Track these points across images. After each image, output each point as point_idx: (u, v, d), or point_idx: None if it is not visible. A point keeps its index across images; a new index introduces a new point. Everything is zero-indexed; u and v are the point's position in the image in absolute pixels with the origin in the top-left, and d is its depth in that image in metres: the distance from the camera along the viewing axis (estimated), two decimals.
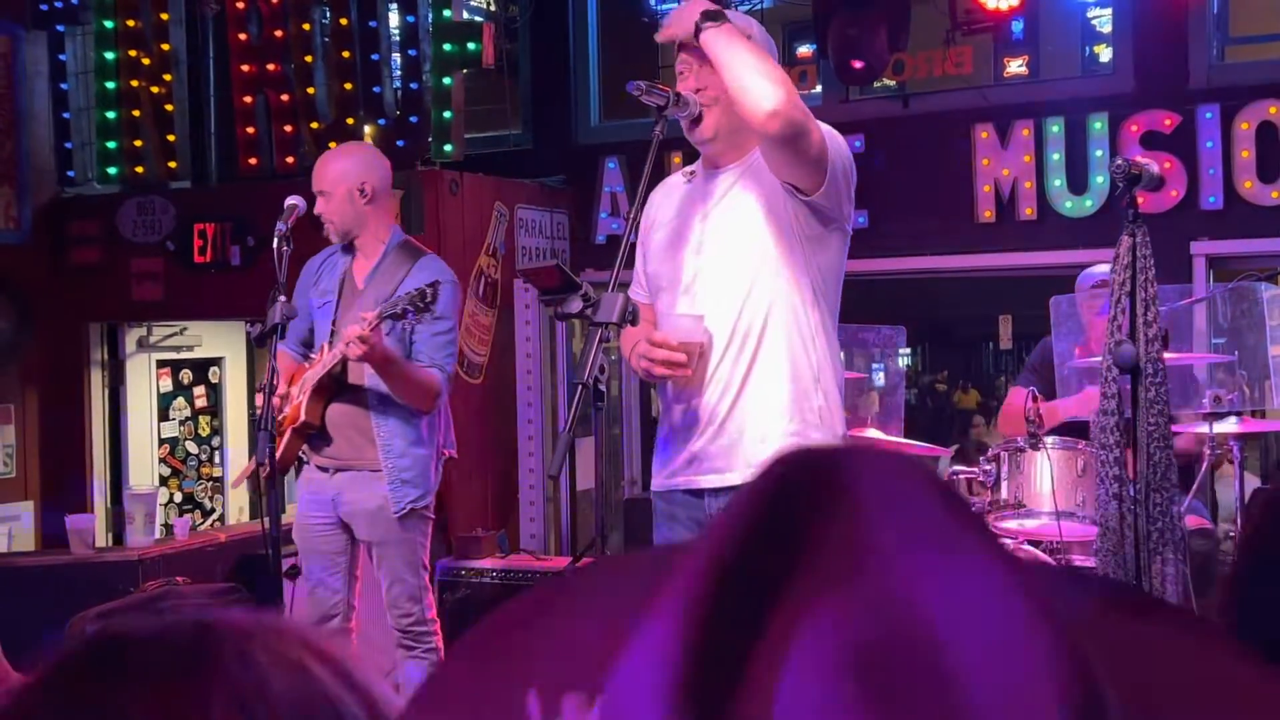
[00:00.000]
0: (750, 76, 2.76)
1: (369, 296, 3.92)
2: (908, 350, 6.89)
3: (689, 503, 2.99)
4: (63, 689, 0.71)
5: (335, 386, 3.91)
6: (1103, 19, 7.60)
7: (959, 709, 0.34)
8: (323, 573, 3.99)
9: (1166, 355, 2.97)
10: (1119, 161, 2.84)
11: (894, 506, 0.39)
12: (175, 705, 0.68)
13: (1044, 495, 3.98)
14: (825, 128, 2.87)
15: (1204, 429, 4.10)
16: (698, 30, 2.82)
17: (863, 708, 0.35)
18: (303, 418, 3.89)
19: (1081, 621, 0.37)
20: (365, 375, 3.88)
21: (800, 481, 0.40)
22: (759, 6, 6.56)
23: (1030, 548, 4.04)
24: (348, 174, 3.95)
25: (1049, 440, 4.29)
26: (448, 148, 6.10)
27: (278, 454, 3.96)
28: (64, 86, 6.82)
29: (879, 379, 6.41)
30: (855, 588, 0.37)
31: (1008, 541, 3.89)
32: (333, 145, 4.65)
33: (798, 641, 0.36)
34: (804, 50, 9.24)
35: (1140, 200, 2.91)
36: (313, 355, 4.05)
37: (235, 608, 0.77)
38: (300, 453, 4.01)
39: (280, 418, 3.98)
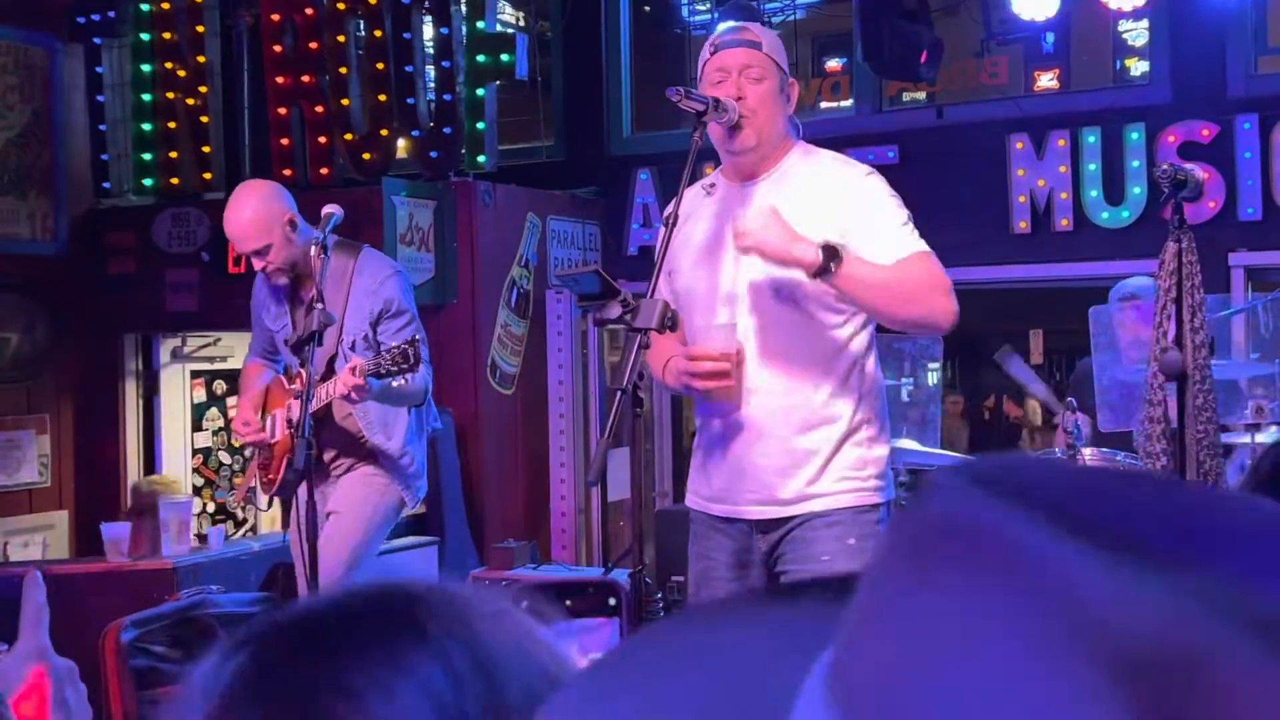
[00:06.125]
0: (918, 310, 2.77)
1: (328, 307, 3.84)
2: (937, 364, 6.86)
3: (725, 528, 2.95)
4: (277, 669, 0.68)
5: (326, 413, 3.90)
6: (1135, 32, 7.54)
7: None
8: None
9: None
10: (1164, 167, 2.82)
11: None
12: (406, 674, 0.66)
13: None
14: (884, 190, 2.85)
15: (1246, 439, 4.06)
16: (821, 274, 2.65)
17: None
18: None
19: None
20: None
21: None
22: (791, 18, 6.56)
23: None
24: (273, 216, 3.82)
25: (1087, 452, 4.26)
26: (481, 159, 6.11)
27: (274, 483, 3.98)
28: (100, 99, 6.87)
29: (905, 392, 6.38)
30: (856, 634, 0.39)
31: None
32: (247, 184, 4.11)
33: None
34: (834, 64, 9.22)
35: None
36: (288, 369, 4.05)
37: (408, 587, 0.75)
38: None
39: (271, 444, 3.97)
